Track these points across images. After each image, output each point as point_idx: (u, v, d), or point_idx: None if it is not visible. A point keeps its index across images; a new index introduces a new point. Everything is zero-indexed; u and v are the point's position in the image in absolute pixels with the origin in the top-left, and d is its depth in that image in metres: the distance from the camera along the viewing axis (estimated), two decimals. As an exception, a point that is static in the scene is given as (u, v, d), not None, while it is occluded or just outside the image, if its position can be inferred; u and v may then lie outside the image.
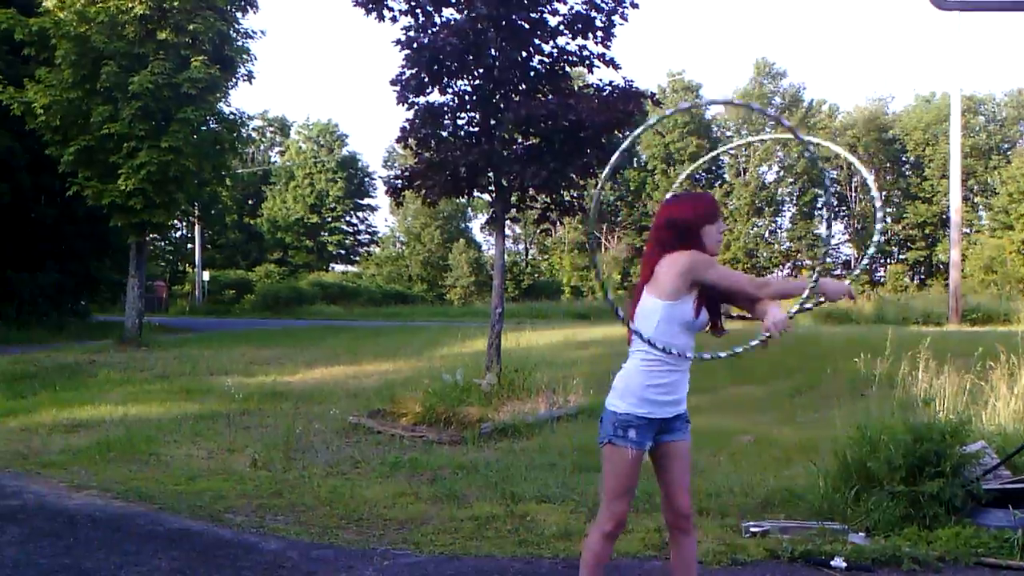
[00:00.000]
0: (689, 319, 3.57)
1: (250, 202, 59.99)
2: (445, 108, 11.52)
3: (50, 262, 25.75)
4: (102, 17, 18.46)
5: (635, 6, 11.27)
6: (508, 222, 12.61)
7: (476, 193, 12.33)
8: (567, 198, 11.86)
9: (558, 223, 13.07)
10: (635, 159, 52.09)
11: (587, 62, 11.48)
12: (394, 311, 39.52)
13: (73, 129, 18.78)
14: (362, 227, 63.13)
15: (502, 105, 11.17)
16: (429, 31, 11.16)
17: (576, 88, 12.06)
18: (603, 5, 11.17)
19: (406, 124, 11.52)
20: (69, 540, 5.37)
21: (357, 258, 62.99)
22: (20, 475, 7.37)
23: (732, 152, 54.26)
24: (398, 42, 11.11)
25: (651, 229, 3.80)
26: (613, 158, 3.85)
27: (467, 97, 11.49)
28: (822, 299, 3.65)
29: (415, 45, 11.02)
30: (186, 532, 5.59)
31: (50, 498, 6.48)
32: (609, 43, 11.38)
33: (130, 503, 6.39)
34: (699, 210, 3.67)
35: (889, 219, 53.89)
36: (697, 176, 52.41)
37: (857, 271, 5.03)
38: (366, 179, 61.69)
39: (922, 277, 51.97)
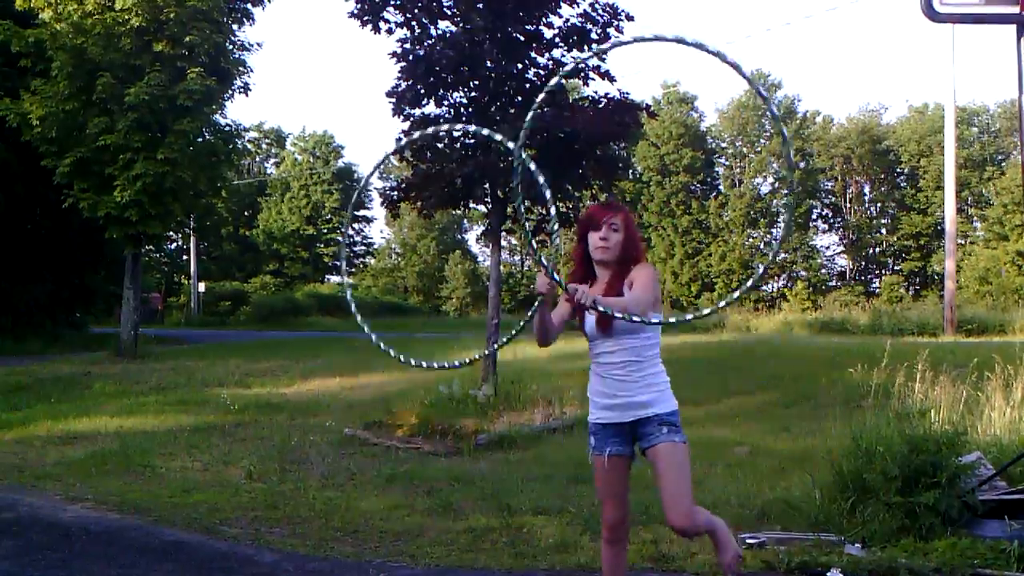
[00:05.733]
0: (584, 329, 3.84)
1: (246, 213, 59.92)
2: (441, 120, 11.56)
3: (46, 273, 25.71)
4: (98, 29, 18.48)
5: (630, 19, 11.32)
6: (504, 233, 12.63)
7: (472, 205, 12.36)
8: (563, 209, 11.89)
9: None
10: (630, 170, 52.11)
11: (582, 74, 11.53)
12: (390, 322, 39.50)
13: (69, 140, 18.77)
14: (358, 238, 63.13)
15: (498, 117, 11.20)
16: (425, 43, 11.21)
17: (571, 100, 12.10)
18: (598, 18, 11.22)
19: (402, 136, 11.55)
20: (64, 553, 5.36)
21: (353, 269, 62.94)
22: (15, 487, 7.36)
23: (725, 164, 54.34)
24: (394, 54, 11.15)
25: None
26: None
27: (463, 109, 11.53)
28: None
29: (411, 57, 11.07)
30: (181, 544, 5.58)
31: (45, 510, 6.47)
32: (604, 55, 11.43)
33: (125, 515, 6.38)
34: (584, 218, 3.94)
35: (884, 229, 53.97)
36: (693, 187, 52.50)
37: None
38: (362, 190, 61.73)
39: (917, 288, 51.92)
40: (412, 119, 11.45)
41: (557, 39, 11.37)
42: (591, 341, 3.84)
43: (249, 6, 21.32)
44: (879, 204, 54.81)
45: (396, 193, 12.07)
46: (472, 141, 11.44)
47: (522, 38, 11.19)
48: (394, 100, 11.30)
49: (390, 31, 11.46)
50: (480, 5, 10.79)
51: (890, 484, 5.30)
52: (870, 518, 5.32)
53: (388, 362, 16.95)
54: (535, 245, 3.77)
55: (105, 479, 7.65)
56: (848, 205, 54.73)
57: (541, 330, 3.77)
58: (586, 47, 11.36)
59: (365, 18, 11.35)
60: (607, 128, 10.96)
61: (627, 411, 3.71)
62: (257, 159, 62.22)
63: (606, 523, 3.84)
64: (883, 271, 55.02)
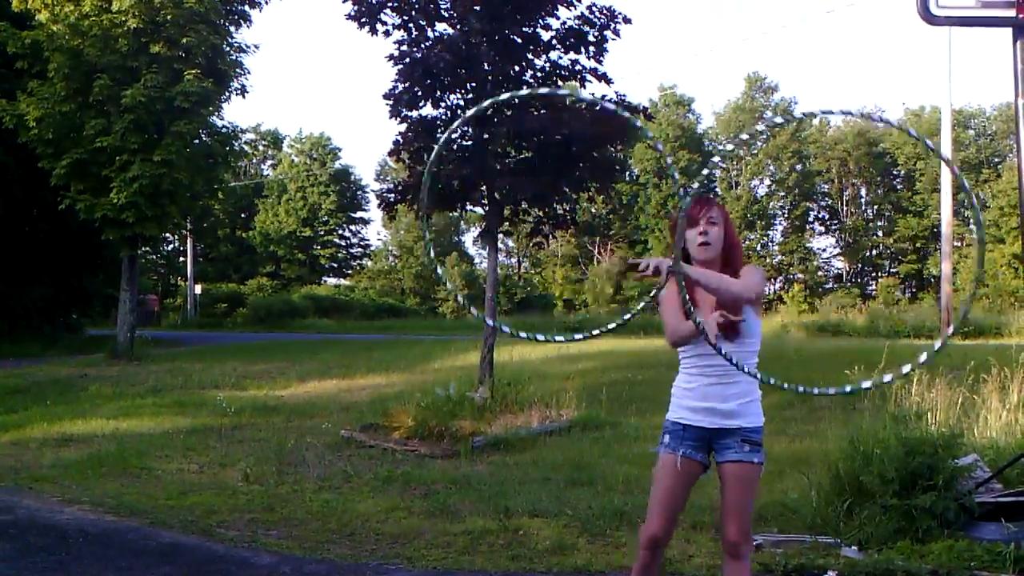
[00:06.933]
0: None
1: (243, 215, 59.92)
2: (438, 122, 11.55)
3: (43, 276, 25.69)
4: (95, 30, 18.48)
5: (628, 21, 11.32)
6: (501, 235, 12.64)
7: (469, 207, 12.35)
8: (560, 211, 11.89)
9: (551, 236, 13.11)
10: (627, 172, 52.14)
11: (579, 77, 11.53)
12: (387, 324, 39.49)
13: (66, 142, 18.77)
14: (355, 240, 63.12)
15: (495, 119, 11.20)
16: (422, 45, 11.20)
17: (568, 102, 12.09)
18: (595, 20, 11.22)
19: (399, 138, 11.54)
20: (61, 555, 5.35)
21: (350, 271, 62.92)
22: (11, 489, 7.34)
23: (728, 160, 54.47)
24: (391, 57, 11.14)
25: None
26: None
27: (460, 111, 11.52)
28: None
29: (408, 59, 11.05)
30: (178, 547, 5.57)
31: (42, 513, 6.45)
32: (601, 58, 11.44)
33: (122, 517, 6.36)
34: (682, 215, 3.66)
35: (880, 232, 54.05)
36: (689, 189, 52.42)
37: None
38: (359, 192, 61.71)
39: (913, 290, 52.06)
40: (409, 121, 11.45)
41: (554, 41, 11.37)
42: (692, 345, 3.56)
43: (246, 8, 21.34)
44: (876, 206, 54.91)
45: (393, 195, 12.06)
46: (469, 143, 11.44)
47: (519, 40, 11.19)
48: (391, 102, 11.29)
49: (387, 33, 11.45)
50: (477, 7, 10.79)
51: (887, 487, 5.31)
52: (867, 521, 5.33)
53: (385, 364, 16.98)
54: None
55: (102, 481, 7.63)
56: (845, 208, 54.82)
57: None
58: (583, 49, 11.37)
59: (362, 20, 11.34)
60: (604, 131, 10.97)
61: (712, 416, 3.52)
62: (254, 161, 62.23)
63: (649, 531, 3.59)
64: (880, 273, 55.13)
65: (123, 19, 18.57)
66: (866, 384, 3.44)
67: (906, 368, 3.38)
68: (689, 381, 3.59)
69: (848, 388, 3.46)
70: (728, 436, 3.52)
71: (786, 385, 3.35)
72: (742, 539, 3.54)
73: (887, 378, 3.43)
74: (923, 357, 3.31)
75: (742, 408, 3.51)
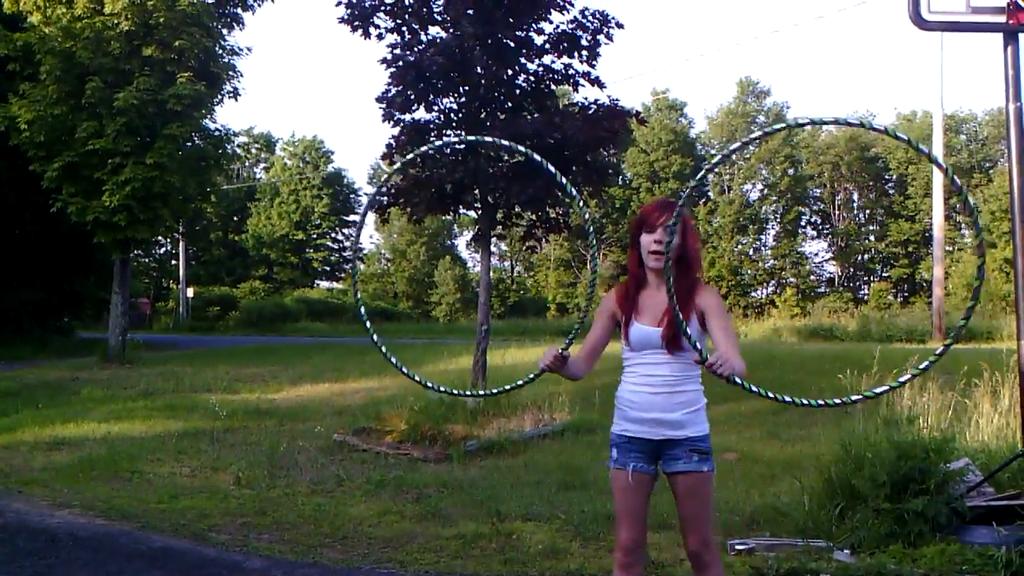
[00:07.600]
0: (628, 338, 3.56)
1: (235, 218, 59.81)
2: (431, 125, 11.57)
3: (34, 279, 25.61)
4: (87, 33, 18.43)
5: (620, 26, 11.36)
6: (494, 239, 12.64)
7: (462, 210, 12.36)
8: (552, 215, 11.90)
9: (544, 240, 13.11)
10: (620, 176, 52.17)
11: (572, 80, 11.56)
12: (380, 328, 39.35)
13: (57, 145, 18.71)
14: (347, 244, 62.97)
15: (488, 123, 11.20)
16: (415, 49, 11.21)
17: (561, 106, 12.12)
18: (588, 24, 11.25)
19: (392, 141, 11.55)
20: (51, 559, 5.33)
21: (342, 275, 62.84)
22: (1, 493, 7.31)
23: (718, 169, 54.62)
24: (384, 60, 11.15)
25: None
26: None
27: (453, 115, 11.54)
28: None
29: (401, 63, 11.06)
30: (169, 550, 5.56)
31: (31, 516, 6.43)
32: (594, 62, 11.47)
33: (113, 521, 6.35)
34: (637, 217, 3.63)
35: (872, 236, 54.17)
36: (682, 193, 52.55)
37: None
38: (351, 196, 61.67)
39: (905, 295, 52.17)
40: (402, 124, 11.45)
41: (547, 46, 11.40)
42: (635, 351, 3.55)
43: (239, 11, 21.31)
44: (868, 211, 55.05)
45: (385, 198, 12.06)
46: (462, 147, 11.46)
47: (512, 44, 11.21)
48: (384, 105, 11.31)
49: (380, 36, 11.47)
50: (470, 11, 10.80)
51: (879, 490, 5.32)
52: (859, 524, 5.33)
53: (378, 368, 16.95)
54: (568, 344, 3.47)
55: (92, 485, 7.60)
56: (837, 212, 54.94)
57: (570, 377, 3.59)
58: (575, 53, 11.39)
59: (355, 23, 11.35)
60: (597, 134, 10.98)
61: (657, 428, 3.46)
62: (246, 164, 62.14)
63: (620, 545, 3.53)
64: (872, 278, 55.25)
65: (115, 22, 18.54)
66: (856, 397, 3.43)
67: (905, 377, 3.36)
68: (634, 391, 3.53)
69: (839, 399, 3.41)
70: (676, 447, 3.46)
71: (771, 395, 3.30)
72: (703, 548, 3.50)
73: (879, 389, 3.40)
74: (924, 364, 3.30)
75: (688, 417, 3.47)
